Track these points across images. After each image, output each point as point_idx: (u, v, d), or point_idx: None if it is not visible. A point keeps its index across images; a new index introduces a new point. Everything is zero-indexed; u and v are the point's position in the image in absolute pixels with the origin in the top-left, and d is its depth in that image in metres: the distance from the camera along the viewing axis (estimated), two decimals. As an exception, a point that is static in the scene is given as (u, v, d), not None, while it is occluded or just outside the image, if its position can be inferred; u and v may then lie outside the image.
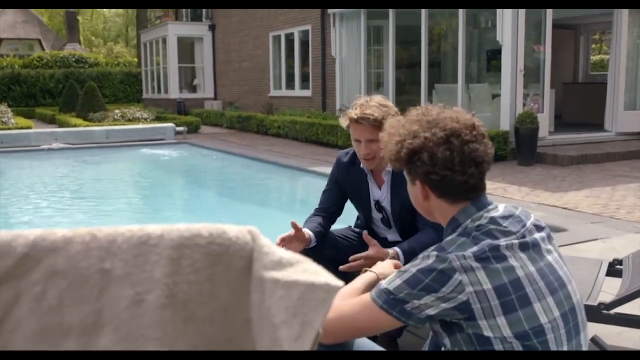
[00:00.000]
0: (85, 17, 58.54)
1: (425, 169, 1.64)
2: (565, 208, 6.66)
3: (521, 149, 9.99)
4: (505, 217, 1.63)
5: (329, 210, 3.14)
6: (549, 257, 1.63)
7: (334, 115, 14.18)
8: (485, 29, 14.13)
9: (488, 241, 1.55)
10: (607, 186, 7.88)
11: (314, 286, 0.71)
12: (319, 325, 0.69)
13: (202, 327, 0.70)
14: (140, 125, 16.03)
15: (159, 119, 18.44)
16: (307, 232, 2.92)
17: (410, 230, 2.93)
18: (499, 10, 10.53)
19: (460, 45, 11.63)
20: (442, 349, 1.65)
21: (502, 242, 1.56)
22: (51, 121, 21.08)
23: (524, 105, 10.69)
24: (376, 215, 3.11)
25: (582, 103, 14.16)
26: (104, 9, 62.74)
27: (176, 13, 26.35)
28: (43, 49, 40.04)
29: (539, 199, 7.13)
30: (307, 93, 16.90)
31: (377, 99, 2.91)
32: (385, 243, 3.07)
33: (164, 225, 0.73)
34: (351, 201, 3.20)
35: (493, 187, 7.94)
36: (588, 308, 2.65)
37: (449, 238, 1.62)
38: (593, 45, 23.42)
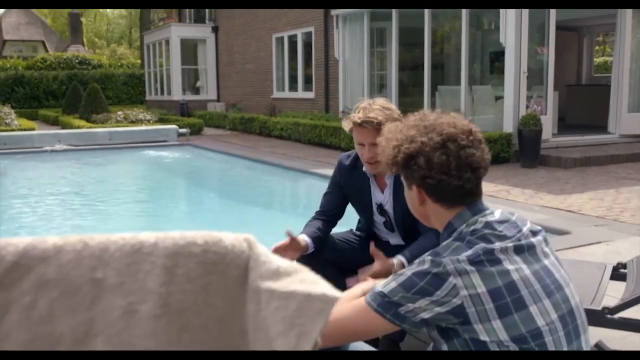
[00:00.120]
0: (89, 18, 58.63)
1: (422, 173, 1.65)
2: (568, 211, 6.63)
3: (524, 151, 9.96)
4: (500, 222, 1.63)
5: (329, 213, 3.12)
6: (545, 260, 1.62)
7: (337, 117, 14.16)
8: (489, 31, 14.12)
9: (482, 245, 1.55)
10: (611, 189, 7.85)
11: (311, 297, 0.69)
12: (316, 336, 0.68)
13: (198, 336, 0.69)
14: (143, 127, 16.03)
15: (161, 120, 18.44)
16: (304, 238, 2.90)
17: (413, 233, 2.91)
18: (502, 12, 10.51)
19: (463, 47, 11.60)
20: None
21: (497, 245, 1.56)
22: (54, 123, 21.10)
23: (527, 107, 10.66)
24: (378, 219, 3.09)
25: (585, 105, 14.13)
26: (108, 11, 62.87)
27: (179, 15, 26.38)
28: (47, 50, 40.12)
29: (542, 202, 7.10)
30: (310, 95, 16.89)
31: (380, 101, 2.89)
32: (388, 247, 3.05)
33: (158, 233, 0.71)
34: (352, 204, 3.17)
35: (496, 189, 7.91)
36: (592, 312, 2.63)
37: (444, 243, 1.62)
38: (597, 47, 23.37)
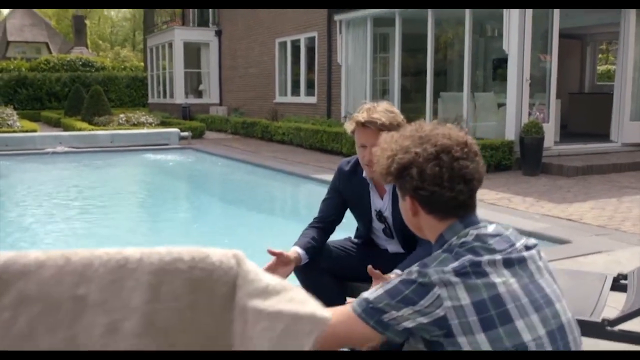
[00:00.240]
0: (93, 21, 58.76)
1: (414, 184, 1.65)
2: (570, 219, 6.60)
3: (526, 158, 9.94)
4: (492, 236, 1.61)
5: (327, 219, 3.10)
6: (536, 275, 1.60)
7: (339, 123, 14.15)
8: (492, 38, 14.12)
9: (469, 257, 1.53)
10: (612, 198, 7.82)
11: (299, 318, 0.67)
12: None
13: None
14: (145, 130, 16.03)
15: (163, 123, 18.44)
16: (297, 250, 2.87)
17: (412, 241, 2.89)
18: (505, 19, 10.50)
19: (466, 54, 11.59)
20: None
21: (485, 258, 1.54)
22: (56, 124, 21.12)
23: (530, 114, 10.65)
24: (377, 226, 3.07)
25: (588, 113, 14.10)
26: (112, 14, 62.99)
27: (183, 18, 26.42)
28: (50, 52, 40.19)
29: (543, 210, 7.08)
30: (313, 100, 16.89)
31: (384, 105, 2.88)
32: (386, 254, 3.04)
33: (144, 248, 0.69)
34: (351, 211, 3.15)
35: (497, 197, 7.89)
36: (591, 324, 2.60)
37: (432, 255, 1.61)
38: (599, 56, 23.36)
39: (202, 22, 24.85)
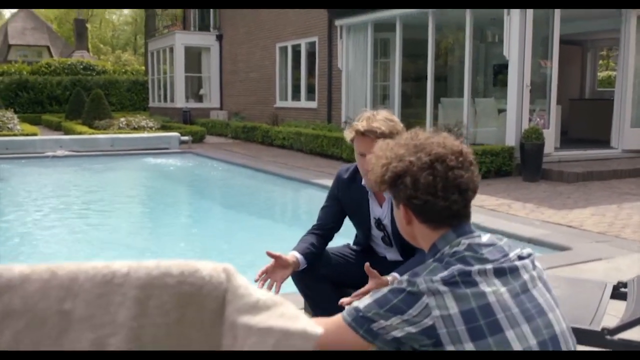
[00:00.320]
0: (94, 25, 58.83)
1: (408, 193, 1.63)
2: (570, 226, 6.59)
3: (526, 164, 9.92)
4: (485, 246, 1.60)
5: (326, 227, 3.09)
6: (529, 284, 1.58)
7: (339, 128, 14.15)
8: (492, 44, 14.12)
9: (459, 266, 1.52)
10: (613, 204, 7.81)
11: (290, 334, 0.66)
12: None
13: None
14: (145, 134, 16.03)
15: (164, 127, 18.44)
16: (295, 255, 2.86)
17: (411, 249, 2.87)
18: (505, 25, 10.50)
19: (466, 60, 11.59)
20: None
21: (475, 267, 1.53)
22: (57, 128, 21.12)
23: (530, 120, 10.64)
24: (376, 234, 3.06)
25: (588, 119, 14.09)
26: (113, 17, 63.07)
27: (184, 22, 26.45)
28: (52, 55, 40.22)
29: (543, 216, 7.06)
30: (313, 105, 16.89)
31: (384, 113, 2.87)
32: (385, 262, 3.02)
33: (132, 262, 0.68)
34: (350, 218, 3.14)
35: (497, 202, 7.87)
36: (591, 333, 2.59)
37: (424, 264, 1.60)
38: (600, 62, 23.37)
39: (203, 27, 24.88)
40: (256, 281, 2.71)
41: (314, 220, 3.16)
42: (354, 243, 3.22)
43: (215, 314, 0.67)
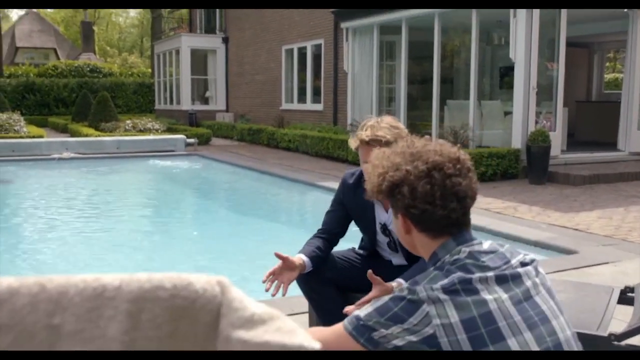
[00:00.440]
0: (101, 27, 59.04)
1: (406, 202, 1.62)
2: (576, 229, 6.55)
3: (533, 167, 9.89)
4: (486, 253, 1.58)
5: (331, 231, 3.07)
6: (532, 291, 1.56)
7: (345, 130, 14.13)
8: (499, 46, 14.08)
9: (459, 274, 1.50)
10: (619, 207, 7.76)
11: (287, 349, 0.64)
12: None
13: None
14: (151, 137, 16.05)
15: (170, 130, 18.47)
16: (302, 257, 2.85)
17: (416, 255, 2.85)
18: (512, 27, 10.47)
19: (472, 62, 11.56)
20: None
21: (476, 275, 1.50)
22: (63, 130, 21.17)
23: (537, 123, 10.60)
24: (382, 239, 3.04)
25: (595, 122, 14.04)
26: (120, 20, 63.27)
27: (190, 25, 26.50)
28: (58, 58, 40.36)
29: (549, 220, 7.02)
30: (319, 107, 16.88)
31: (388, 119, 2.84)
32: (390, 267, 3.00)
33: (124, 274, 0.66)
34: (355, 223, 3.12)
35: (503, 205, 7.84)
36: (598, 339, 2.56)
37: (424, 272, 1.58)
38: (607, 64, 23.29)
39: (209, 29, 24.92)
40: (264, 282, 2.71)
41: (319, 223, 3.15)
42: (360, 247, 3.21)
43: (209, 328, 0.65)
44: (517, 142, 10.50)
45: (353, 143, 2.85)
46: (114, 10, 58.88)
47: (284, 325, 0.66)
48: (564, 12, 10.48)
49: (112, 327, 0.62)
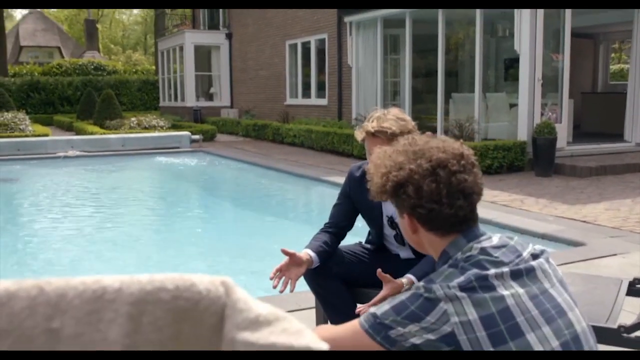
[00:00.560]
0: (105, 25, 59.08)
1: (412, 202, 1.59)
2: (583, 221, 6.52)
3: (539, 159, 9.84)
4: (497, 248, 1.56)
5: (338, 225, 3.06)
6: (546, 284, 1.54)
7: (350, 125, 14.10)
8: (503, 38, 14.01)
9: (475, 271, 1.48)
10: (627, 198, 7.72)
11: (293, 350, 0.62)
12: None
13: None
14: (156, 134, 16.05)
15: (175, 127, 18.47)
16: (309, 253, 2.83)
17: (423, 248, 2.84)
18: (516, 19, 10.41)
19: (477, 54, 11.51)
20: None
21: (491, 271, 1.48)
22: (69, 128, 21.20)
23: (542, 115, 10.55)
24: (389, 232, 3.02)
25: (601, 113, 13.98)
26: (124, 18, 63.31)
27: (193, 21, 26.47)
28: (63, 56, 40.43)
29: (556, 212, 6.99)
30: (323, 102, 16.85)
31: (394, 111, 2.83)
32: (398, 260, 2.99)
33: (124, 276, 0.64)
34: (362, 216, 3.10)
35: (510, 198, 7.81)
36: (607, 331, 2.54)
37: (438, 270, 1.56)
38: (612, 55, 23.18)
39: (213, 25, 24.88)
40: (271, 279, 2.70)
41: (325, 218, 3.13)
42: (366, 241, 3.19)
43: (213, 330, 0.64)
44: (522, 134, 10.45)
45: (359, 135, 2.84)
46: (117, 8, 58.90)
47: (290, 326, 0.65)
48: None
49: (112, 330, 0.61)
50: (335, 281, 2.94)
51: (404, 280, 2.63)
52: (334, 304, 2.94)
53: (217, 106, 22.93)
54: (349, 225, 3.12)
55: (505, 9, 10.96)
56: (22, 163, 13.15)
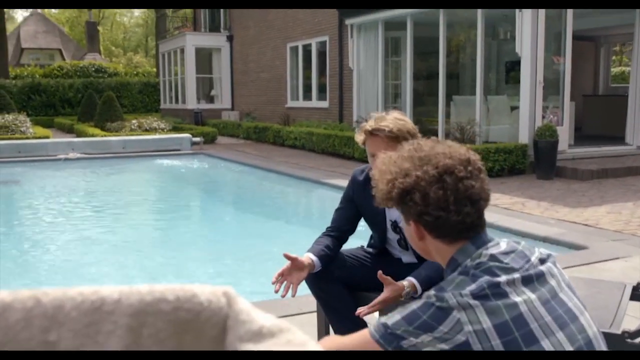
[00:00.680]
0: (106, 27, 59.11)
1: (418, 209, 1.57)
2: (585, 224, 6.50)
3: (540, 162, 9.82)
4: (506, 253, 1.53)
5: (340, 229, 3.04)
6: (556, 289, 1.52)
7: (351, 127, 14.09)
8: (504, 41, 14.01)
9: (487, 278, 1.46)
10: (628, 202, 7.70)
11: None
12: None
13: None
14: (157, 136, 16.04)
15: (175, 129, 18.46)
16: (311, 257, 2.82)
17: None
18: (518, 21, 10.40)
19: (478, 57, 11.49)
20: None
21: (503, 278, 1.46)
22: (69, 131, 21.20)
23: (544, 117, 10.53)
24: (392, 236, 3.00)
25: (602, 115, 13.96)
26: (124, 20, 63.35)
27: (194, 24, 26.48)
28: (64, 58, 40.44)
29: (558, 215, 6.97)
30: (324, 104, 16.83)
31: (394, 113, 2.83)
32: (400, 265, 2.97)
33: (123, 287, 0.62)
34: (365, 220, 3.09)
35: (511, 201, 7.79)
36: (611, 336, 2.51)
37: (449, 277, 1.53)
38: (613, 57, 23.17)
39: (214, 28, 24.88)
40: (273, 283, 2.68)
41: (326, 221, 3.12)
42: (369, 245, 3.17)
43: (215, 342, 0.62)
44: (524, 137, 10.43)
45: (359, 137, 2.84)
46: (118, 10, 58.95)
47: (294, 338, 0.63)
48: (570, 5, 10.40)
49: (111, 342, 0.59)
50: (337, 285, 2.92)
51: (405, 282, 2.61)
52: (335, 308, 2.92)
53: (218, 108, 22.92)
54: (351, 229, 3.10)
55: (507, 12, 10.96)
56: (23, 165, 13.14)
